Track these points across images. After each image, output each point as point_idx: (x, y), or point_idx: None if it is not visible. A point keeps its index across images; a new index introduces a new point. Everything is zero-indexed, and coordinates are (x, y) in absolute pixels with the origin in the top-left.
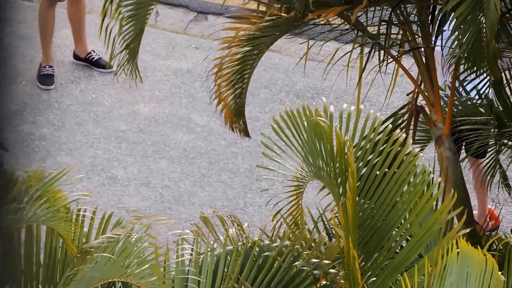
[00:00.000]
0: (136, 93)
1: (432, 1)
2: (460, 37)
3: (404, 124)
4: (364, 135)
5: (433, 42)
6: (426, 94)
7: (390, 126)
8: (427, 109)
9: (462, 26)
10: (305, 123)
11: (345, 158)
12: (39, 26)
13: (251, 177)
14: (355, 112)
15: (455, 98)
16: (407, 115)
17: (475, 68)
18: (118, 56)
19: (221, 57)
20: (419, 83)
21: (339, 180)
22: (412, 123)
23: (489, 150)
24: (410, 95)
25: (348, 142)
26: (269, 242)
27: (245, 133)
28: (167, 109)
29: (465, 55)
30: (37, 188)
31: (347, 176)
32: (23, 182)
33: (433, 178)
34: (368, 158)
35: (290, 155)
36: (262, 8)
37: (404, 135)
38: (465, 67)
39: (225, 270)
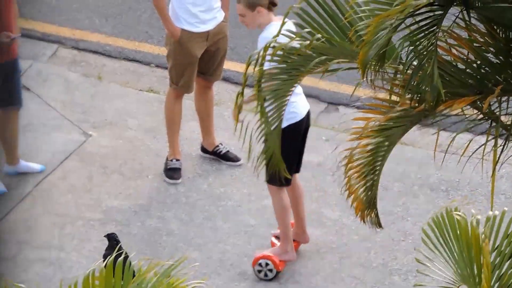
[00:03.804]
0: (265, 186)
1: None
2: None
3: None
4: None
5: None
6: None
7: None
8: None
9: None
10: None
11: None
12: (166, 119)
13: (384, 272)
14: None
15: None
16: None
17: None
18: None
19: (351, 148)
20: None
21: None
22: None
23: None
24: None
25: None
26: None
27: (378, 224)
28: None
29: None
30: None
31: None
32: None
33: None
34: None
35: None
36: (393, 98)
37: None
38: None
39: None
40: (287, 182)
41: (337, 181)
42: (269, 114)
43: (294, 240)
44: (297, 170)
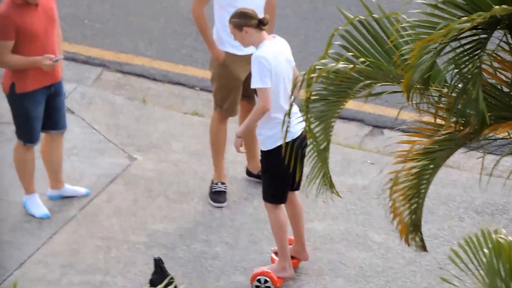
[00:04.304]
0: (311, 210)
1: None
2: None
3: None
4: None
5: None
6: None
7: None
8: None
9: None
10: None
11: None
12: (211, 142)
13: None
14: None
15: None
16: None
17: None
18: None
19: (396, 171)
20: None
21: None
22: None
23: None
24: None
25: None
26: None
27: (423, 248)
28: (343, 226)
29: None
30: None
31: None
32: None
33: None
34: None
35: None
36: (438, 121)
37: None
38: None
39: None
40: (283, 199)
41: (382, 204)
42: (317, 135)
43: (294, 257)
44: (297, 188)
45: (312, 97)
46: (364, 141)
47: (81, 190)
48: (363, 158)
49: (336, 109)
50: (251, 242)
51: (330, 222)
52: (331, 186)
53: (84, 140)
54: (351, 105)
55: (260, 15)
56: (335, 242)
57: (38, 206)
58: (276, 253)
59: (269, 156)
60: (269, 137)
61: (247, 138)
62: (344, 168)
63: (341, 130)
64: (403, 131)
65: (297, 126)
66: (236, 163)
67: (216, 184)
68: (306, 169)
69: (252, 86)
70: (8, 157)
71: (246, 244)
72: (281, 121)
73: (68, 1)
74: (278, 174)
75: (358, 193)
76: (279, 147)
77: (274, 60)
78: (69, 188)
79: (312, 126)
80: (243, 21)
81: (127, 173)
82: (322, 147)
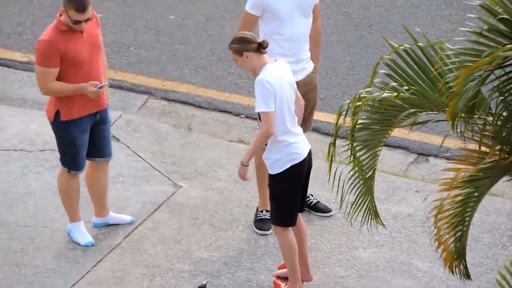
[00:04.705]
0: (356, 237)
1: None
2: None
3: None
4: None
5: None
6: None
7: None
8: None
9: None
10: None
11: None
12: (256, 170)
13: None
14: None
15: None
16: None
17: None
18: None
19: (441, 199)
20: None
21: None
22: None
23: None
24: None
25: None
26: None
27: (467, 276)
28: (388, 254)
29: None
30: None
31: None
32: None
33: None
34: None
35: None
36: (483, 149)
37: None
38: None
39: None
40: (293, 222)
41: (427, 232)
42: (363, 163)
43: None
44: (301, 209)
45: (358, 126)
46: (409, 169)
47: (126, 217)
48: (408, 185)
49: (382, 137)
50: None
51: (375, 250)
52: (376, 215)
53: (129, 167)
54: (396, 132)
55: (306, 42)
56: (380, 269)
57: (83, 234)
58: (278, 277)
59: (277, 180)
60: (277, 161)
61: None
62: (389, 195)
63: (386, 157)
64: (448, 158)
65: (304, 147)
66: None
67: (261, 212)
68: (351, 197)
69: (256, 110)
70: (53, 185)
71: None
72: (289, 143)
73: (113, 28)
74: (288, 197)
75: (403, 220)
76: (287, 170)
77: (277, 83)
78: (114, 216)
79: (358, 154)
80: (243, 46)
81: (172, 201)
82: (367, 175)
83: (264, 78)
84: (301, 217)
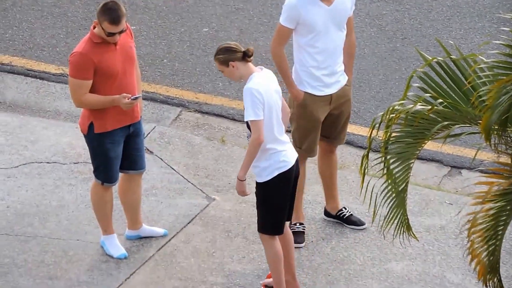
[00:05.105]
0: (388, 250)
1: None
2: None
3: None
4: None
5: None
6: None
7: None
8: None
9: None
10: None
11: None
12: None
13: None
14: None
15: None
16: None
17: None
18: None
19: (474, 212)
20: None
21: None
22: None
23: None
24: None
25: None
26: None
27: None
28: (420, 267)
29: None
30: None
31: None
32: None
33: None
34: None
35: None
36: None
37: None
38: None
39: None
40: (281, 231)
41: (459, 244)
42: (396, 176)
43: None
44: (288, 218)
45: (391, 139)
46: (443, 182)
47: (159, 230)
48: (442, 198)
49: (415, 150)
50: (329, 282)
51: (408, 263)
52: (409, 228)
53: (162, 180)
54: (430, 145)
55: (340, 55)
56: (412, 282)
57: (116, 247)
58: (266, 286)
59: (265, 188)
60: (265, 169)
61: (327, 179)
62: (422, 208)
63: (419, 170)
64: (481, 171)
65: (292, 155)
66: (315, 203)
67: (295, 224)
68: (384, 210)
69: (246, 119)
70: (86, 197)
71: (323, 284)
72: (277, 151)
73: (147, 41)
74: (276, 205)
75: (436, 233)
76: (275, 178)
77: (265, 91)
78: (147, 228)
79: (391, 167)
80: (228, 56)
81: (205, 214)
82: (400, 188)
83: (252, 86)
84: (288, 226)
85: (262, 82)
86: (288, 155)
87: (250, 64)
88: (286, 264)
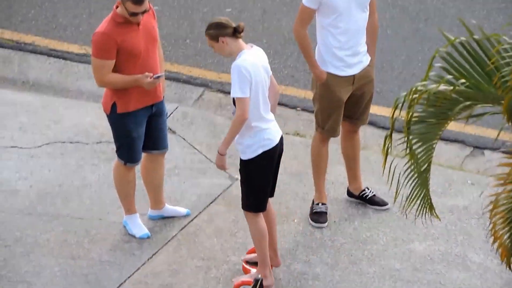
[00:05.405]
0: (411, 230)
1: None
2: None
3: None
4: None
5: None
6: None
7: None
8: None
9: None
10: None
11: None
12: (312, 163)
13: None
14: None
15: None
16: None
17: None
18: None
19: (497, 193)
20: None
21: None
22: None
23: None
24: None
25: None
26: None
27: None
28: (443, 247)
29: None
30: None
31: None
32: None
33: None
34: None
35: None
36: None
37: None
38: None
39: None
40: (264, 208)
41: (482, 224)
42: (418, 156)
43: None
44: (271, 194)
45: (413, 119)
46: (465, 162)
47: (182, 210)
48: (464, 178)
49: (437, 130)
50: (351, 262)
51: (431, 243)
52: (431, 208)
53: (185, 160)
54: (452, 126)
55: (363, 36)
56: (435, 262)
57: (139, 227)
58: (247, 262)
59: (249, 165)
60: (249, 146)
61: (349, 160)
62: (445, 189)
63: (442, 151)
64: (504, 152)
65: (276, 133)
66: (337, 183)
67: (317, 204)
68: (406, 190)
69: (232, 95)
70: (108, 177)
71: (346, 264)
72: (262, 129)
73: (169, 21)
74: (260, 183)
75: (459, 213)
76: (259, 155)
77: (254, 69)
78: (170, 208)
79: (414, 147)
80: (218, 31)
81: (228, 194)
82: (422, 168)
83: (241, 63)
84: (271, 203)
85: (251, 60)
86: (272, 133)
87: (240, 40)
88: (269, 241)
